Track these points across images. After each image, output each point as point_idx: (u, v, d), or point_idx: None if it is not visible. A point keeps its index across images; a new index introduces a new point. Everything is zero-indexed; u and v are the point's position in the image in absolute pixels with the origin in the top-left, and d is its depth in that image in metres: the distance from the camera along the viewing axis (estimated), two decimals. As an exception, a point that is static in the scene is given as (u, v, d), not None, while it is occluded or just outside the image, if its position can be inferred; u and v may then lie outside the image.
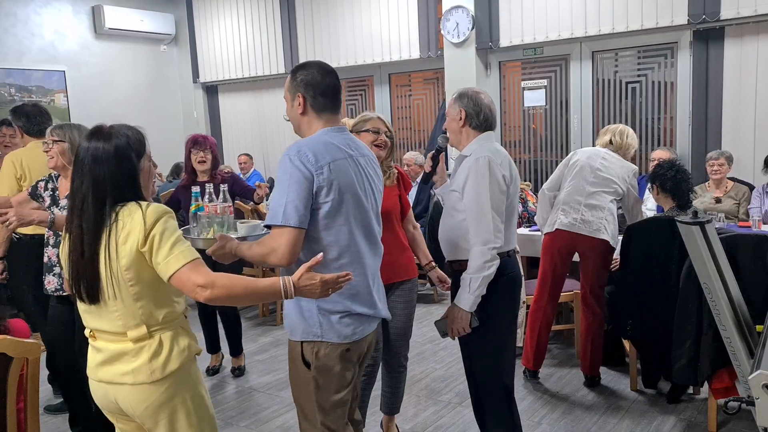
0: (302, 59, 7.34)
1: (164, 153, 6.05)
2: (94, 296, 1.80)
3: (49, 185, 3.09)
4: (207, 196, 2.74)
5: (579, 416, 3.44)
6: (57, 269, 3.01)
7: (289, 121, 2.16)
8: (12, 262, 3.83)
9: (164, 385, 1.82)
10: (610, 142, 3.83)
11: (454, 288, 2.63)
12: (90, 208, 1.78)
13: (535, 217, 4.20)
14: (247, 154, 7.32)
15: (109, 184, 1.78)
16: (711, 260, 1.65)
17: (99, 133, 1.82)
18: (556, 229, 3.72)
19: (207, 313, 4.18)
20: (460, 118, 2.56)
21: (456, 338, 2.56)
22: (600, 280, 3.77)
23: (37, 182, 3.15)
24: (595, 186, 3.69)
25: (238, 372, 4.23)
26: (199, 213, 2.71)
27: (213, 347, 4.29)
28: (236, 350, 4.27)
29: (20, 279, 3.82)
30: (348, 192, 1.96)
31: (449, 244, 2.61)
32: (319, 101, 2.03)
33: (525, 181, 5.97)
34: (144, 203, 1.80)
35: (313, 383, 2.05)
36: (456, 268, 2.58)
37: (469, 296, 2.42)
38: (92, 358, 1.90)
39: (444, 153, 2.82)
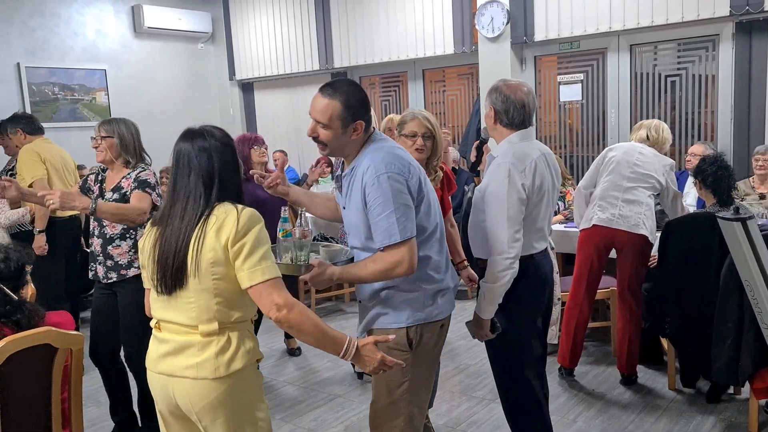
0: (337, 56, 7.39)
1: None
2: (174, 286, 1.82)
3: (99, 177, 3.21)
4: (297, 220, 2.53)
5: (615, 415, 3.40)
6: (101, 258, 3.09)
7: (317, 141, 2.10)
8: (50, 239, 4.40)
9: (226, 383, 1.81)
10: (647, 137, 3.77)
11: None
12: (197, 198, 1.82)
13: (573, 214, 4.16)
14: (282, 151, 7.39)
15: (218, 176, 1.84)
16: (753, 257, 1.61)
17: (195, 132, 1.90)
18: (594, 225, 3.68)
19: None
20: (491, 115, 2.48)
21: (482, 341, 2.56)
22: (638, 276, 3.71)
23: (87, 176, 3.29)
24: (632, 181, 3.63)
25: (298, 352, 4.50)
26: (283, 237, 2.42)
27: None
28: None
29: (55, 257, 4.43)
30: (425, 182, 2.12)
31: (476, 241, 2.56)
32: (368, 119, 2.07)
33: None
34: (240, 206, 1.83)
35: (409, 367, 2.11)
36: (482, 266, 2.53)
37: (486, 305, 2.41)
38: (155, 349, 1.92)
39: (487, 144, 2.80)
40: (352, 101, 2.02)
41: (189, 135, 1.89)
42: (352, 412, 3.58)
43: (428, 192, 2.12)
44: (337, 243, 3.52)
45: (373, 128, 2.15)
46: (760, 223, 3.66)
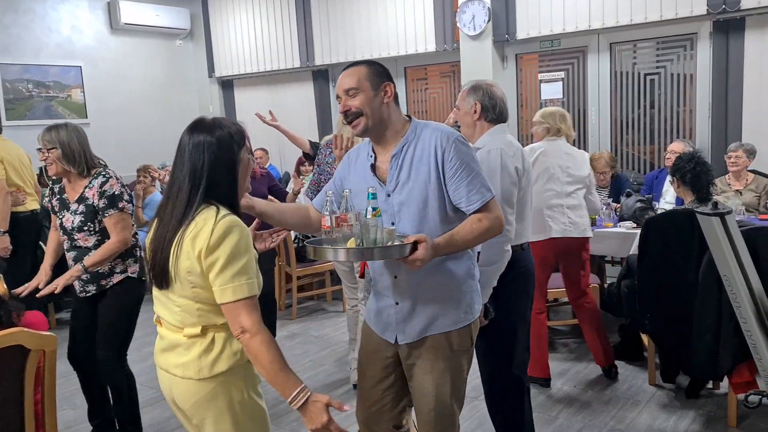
0: (318, 53, 7.34)
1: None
2: (161, 285, 1.80)
3: (55, 190, 3.07)
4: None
5: (596, 410, 3.41)
6: None
7: (352, 116, 2.01)
8: (13, 237, 4.38)
9: (211, 385, 1.78)
10: (559, 131, 3.74)
11: None
12: (183, 195, 1.75)
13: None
14: (263, 149, 7.32)
15: (207, 172, 1.75)
16: (731, 252, 1.61)
17: (202, 124, 1.81)
18: (550, 238, 3.66)
19: None
20: (475, 111, 2.56)
21: None
22: (586, 275, 3.83)
23: (44, 196, 3.20)
24: (570, 185, 3.67)
25: None
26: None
27: None
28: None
29: (20, 254, 4.44)
30: None
31: None
32: (396, 93, 2.06)
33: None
34: (222, 212, 1.73)
35: (467, 365, 2.12)
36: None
37: (481, 289, 2.40)
38: (157, 343, 1.93)
39: None
40: (376, 66, 2.04)
41: (192, 127, 1.82)
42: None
43: None
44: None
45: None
46: (738, 219, 3.70)
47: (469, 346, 2.08)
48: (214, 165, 1.76)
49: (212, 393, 1.79)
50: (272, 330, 4.40)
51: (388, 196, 2.02)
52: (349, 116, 1.99)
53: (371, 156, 2.07)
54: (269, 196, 4.30)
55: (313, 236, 2.17)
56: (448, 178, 1.94)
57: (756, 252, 2.81)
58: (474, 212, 1.94)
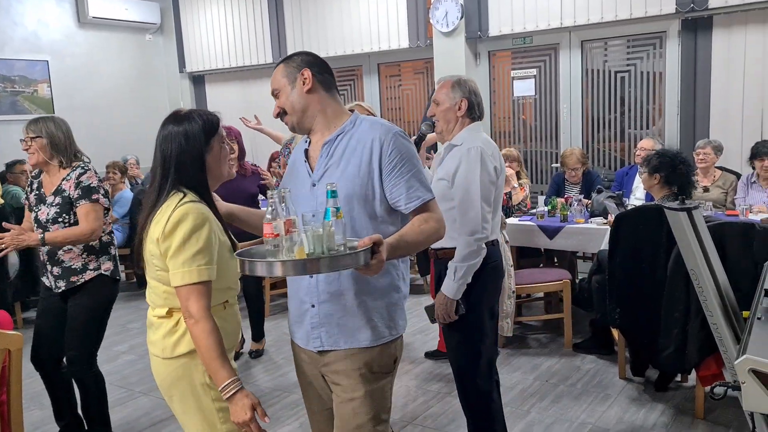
0: (290, 48, 7.29)
1: (151, 144, 5.99)
2: (139, 265, 1.90)
3: (34, 186, 3.04)
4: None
5: (567, 405, 3.45)
6: (48, 266, 2.96)
7: (281, 116, 1.93)
8: None
9: (174, 365, 1.86)
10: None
11: (438, 275, 2.64)
12: (156, 182, 1.86)
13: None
14: (235, 145, 7.27)
15: (174, 161, 1.83)
16: (698, 246, 1.64)
17: (174, 116, 1.89)
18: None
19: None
20: (459, 108, 2.55)
21: (442, 326, 2.60)
22: None
23: (25, 190, 3.17)
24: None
25: (256, 354, 4.38)
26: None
27: None
28: (259, 335, 4.44)
29: None
30: None
31: None
32: (325, 78, 1.87)
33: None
34: (185, 200, 1.80)
35: (389, 388, 1.92)
36: (441, 256, 2.60)
37: (454, 284, 2.47)
38: None
39: (425, 140, 2.81)
40: (292, 58, 1.90)
41: (166, 119, 1.92)
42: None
43: None
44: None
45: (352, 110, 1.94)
46: (706, 214, 3.77)
47: (392, 368, 1.89)
48: (181, 154, 1.84)
49: (176, 373, 1.86)
50: (260, 326, 4.45)
51: (314, 185, 1.85)
52: (280, 117, 1.93)
53: (307, 141, 1.96)
54: (261, 195, 4.27)
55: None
56: (386, 174, 1.78)
57: (722, 247, 2.89)
58: (414, 212, 1.79)
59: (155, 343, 1.89)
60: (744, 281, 2.75)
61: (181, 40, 8.19)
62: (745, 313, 1.68)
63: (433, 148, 4.81)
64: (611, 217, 4.25)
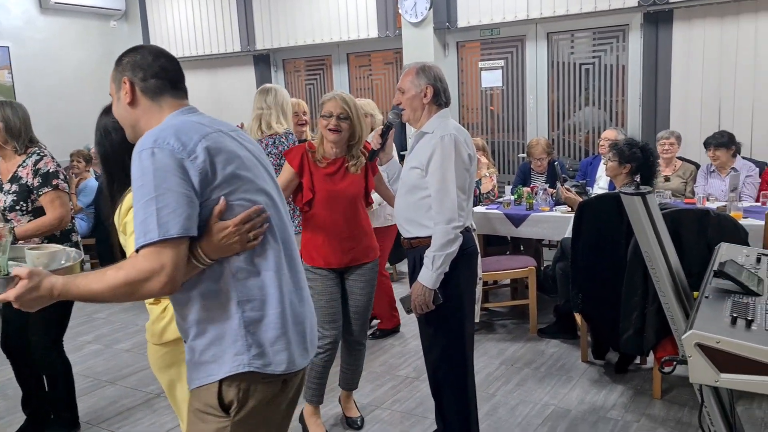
0: (258, 36, 7.24)
1: (116, 132, 5.91)
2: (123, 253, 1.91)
3: None
4: None
5: (532, 387, 3.54)
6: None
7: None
8: None
9: (162, 351, 1.91)
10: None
11: (413, 264, 2.66)
12: (105, 189, 1.91)
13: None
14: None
15: (112, 158, 1.86)
16: (651, 229, 1.71)
17: (107, 109, 1.88)
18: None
19: None
20: (425, 95, 2.51)
21: (418, 316, 2.59)
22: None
23: None
24: None
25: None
26: None
27: None
28: None
29: None
30: (242, 169, 1.55)
31: (409, 221, 2.61)
32: (151, 84, 1.60)
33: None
34: None
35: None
36: (415, 245, 2.60)
37: (432, 273, 2.45)
38: None
39: (392, 130, 2.77)
40: (122, 57, 1.66)
41: (102, 112, 1.95)
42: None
43: (254, 180, 1.58)
44: None
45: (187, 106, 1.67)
46: (664, 201, 3.89)
47: (220, 411, 1.52)
48: (119, 151, 1.87)
49: (163, 360, 1.91)
50: None
51: None
52: None
53: None
54: None
55: None
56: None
57: (679, 232, 2.99)
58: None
59: (147, 328, 1.95)
60: (698, 265, 2.85)
61: (147, 28, 8.06)
62: (696, 294, 1.76)
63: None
64: (561, 189, 4.39)
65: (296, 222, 3.66)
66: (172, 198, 1.39)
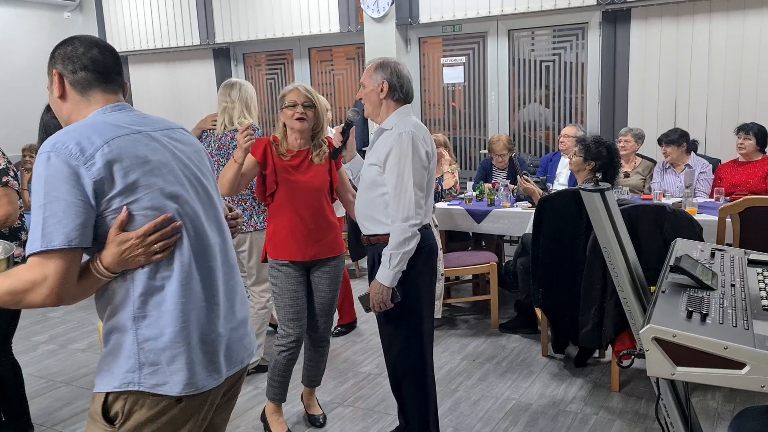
0: (218, 30, 7.12)
1: (70, 126, 5.75)
2: None
3: None
4: None
5: (493, 382, 3.56)
6: None
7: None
8: None
9: None
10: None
11: (371, 262, 2.65)
12: None
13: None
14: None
15: None
16: (610, 225, 1.73)
17: (48, 106, 1.79)
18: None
19: None
20: (382, 90, 2.51)
21: (377, 314, 2.58)
22: None
23: None
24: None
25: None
26: None
27: None
28: None
29: None
30: (148, 176, 1.46)
31: (367, 218, 2.60)
32: (80, 77, 1.53)
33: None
34: None
35: None
36: (374, 242, 2.59)
37: (390, 272, 2.44)
38: None
39: (353, 128, 2.79)
40: (55, 50, 1.59)
41: (45, 108, 1.81)
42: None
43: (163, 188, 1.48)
44: None
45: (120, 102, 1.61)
46: (622, 197, 3.96)
47: (102, 421, 1.47)
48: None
49: None
50: None
51: None
52: None
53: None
54: None
55: None
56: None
57: (636, 228, 3.05)
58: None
59: (98, 328, 1.91)
60: (655, 259, 2.91)
61: (102, 19, 7.85)
62: (653, 288, 1.79)
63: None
64: (520, 180, 4.38)
65: (261, 218, 3.62)
66: (60, 207, 1.34)
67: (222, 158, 3.66)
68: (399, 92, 2.52)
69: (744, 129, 4.57)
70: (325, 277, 2.96)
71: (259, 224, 3.61)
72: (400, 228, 2.42)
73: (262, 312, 3.69)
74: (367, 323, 4.45)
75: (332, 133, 4.41)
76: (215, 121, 3.67)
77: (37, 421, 3.26)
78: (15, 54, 7.23)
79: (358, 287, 4.83)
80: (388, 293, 2.47)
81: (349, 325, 4.41)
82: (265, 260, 3.00)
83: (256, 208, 3.61)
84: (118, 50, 6.97)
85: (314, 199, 2.88)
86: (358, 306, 4.28)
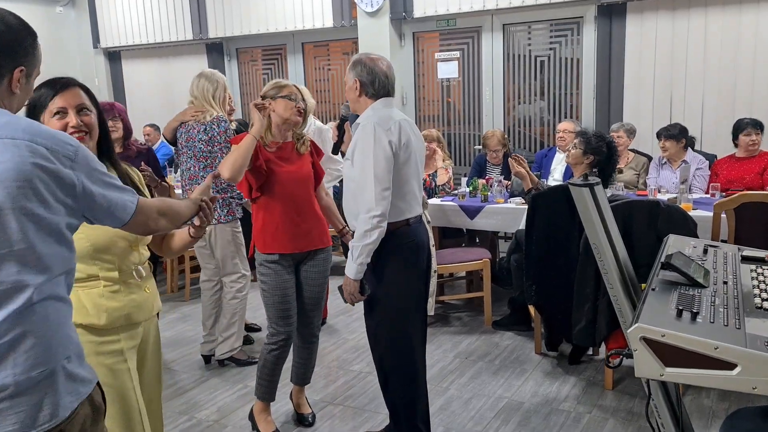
0: (211, 25, 7.06)
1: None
2: None
3: None
4: None
5: (485, 380, 3.52)
6: None
7: None
8: None
9: None
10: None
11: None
12: None
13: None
14: (153, 125, 6.98)
15: None
16: (600, 221, 1.68)
17: None
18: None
19: None
20: (356, 88, 2.53)
21: (353, 305, 2.58)
22: None
23: None
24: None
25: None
26: None
27: None
28: None
29: None
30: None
31: (349, 213, 2.61)
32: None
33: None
34: None
35: None
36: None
37: (353, 265, 2.44)
38: None
39: (348, 122, 2.80)
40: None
41: None
42: (225, 393, 3.47)
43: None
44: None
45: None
46: (616, 193, 3.91)
47: None
48: None
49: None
50: None
51: None
52: None
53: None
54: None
55: None
56: None
57: (630, 224, 3.00)
58: None
59: None
60: (648, 256, 2.86)
61: (95, 14, 7.78)
62: (644, 286, 1.74)
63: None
64: (511, 162, 4.03)
65: (225, 211, 3.59)
66: None
67: (189, 150, 3.61)
68: (371, 88, 2.51)
69: (753, 125, 4.49)
70: (314, 270, 2.94)
71: (222, 217, 3.59)
72: (362, 219, 2.41)
73: (234, 302, 3.70)
74: (359, 321, 4.40)
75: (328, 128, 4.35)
76: (195, 114, 3.61)
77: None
78: (6, 49, 7.16)
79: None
80: (354, 286, 2.47)
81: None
82: (252, 256, 2.96)
83: (220, 201, 3.58)
84: (110, 45, 6.82)
85: (302, 189, 2.87)
86: (330, 303, 4.24)
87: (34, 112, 1.77)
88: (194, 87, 3.66)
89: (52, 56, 7.63)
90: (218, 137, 3.53)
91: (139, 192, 1.83)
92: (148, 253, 2.00)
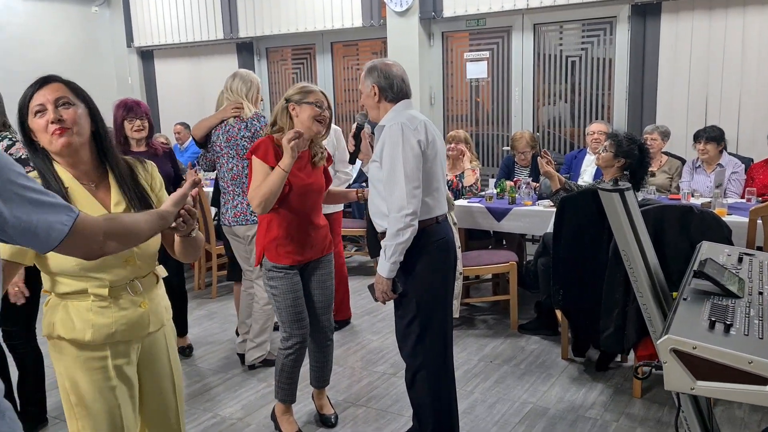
0: (242, 25, 7.11)
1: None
2: None
3: None
4: None
5: (511, 385, 3.48)
6: None
7: None
8: None
9: (49, 344, 1.83)
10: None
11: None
12: None
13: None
14: (184, 124, 7.06)
15: None
16: (629, 227, 1.64)
17: None
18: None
19: None
20: (375, 94, 2.55)
21: (385, 303, 2.60)
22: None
23: None
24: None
25: (189, 351, 4.04)
26: None
27: None
28: (182, 330, 4.03)
29: None
30: None
31: (377, 214, 2.61)
32: None
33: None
34: None
35: None
36: (382, 239, 2.57)
37: (386, 263, 2.46)
38: None
39: (364, 130, 2.82)
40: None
41: None
42: (249, 392, 3.49)
43: None
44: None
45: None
46: (648, 197, 3.83)
47: None
48: None
49: (51, 353, 1.84)
50: (182, 326, 4.02)
51: None
52: None
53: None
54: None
55: None
56: None
57: (662, 229, 2.93)
58: None
59: None
60: (681, 263, 2.79)
61: (129, 13, 7.91)
62: (675, 294, 1.69)
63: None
64: (540, 161, 4.01)
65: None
66: None
67: (231, 150, 3.61)
68: (390, 92, 2.54)
69: None
70: (321, 273, 2.95)
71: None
72: (394, 219, 2.42)
73: (267, 308, 3.66)
74: (384, 321, 4.39)
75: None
76: (236, 109, 3.62)
77: (53, 413, 3.27)
78: (42, 48, 7.31)
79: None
80: (387, 284, 2.50)
81: (343, 322, 4.37)
82: (259, 264, 2.90)
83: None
84: (143, 44, 6.97)
85: (315, 200, 2.87)
86: (354, 303, 4.35)
87: (21, 114, 1.72)
88: (229, 86, 3.67)
89: (87, 55, 7.80)
90: (260, 132, 3.54)
91: (144, 190, 1.83)
92: (153, 264, 1.89)
